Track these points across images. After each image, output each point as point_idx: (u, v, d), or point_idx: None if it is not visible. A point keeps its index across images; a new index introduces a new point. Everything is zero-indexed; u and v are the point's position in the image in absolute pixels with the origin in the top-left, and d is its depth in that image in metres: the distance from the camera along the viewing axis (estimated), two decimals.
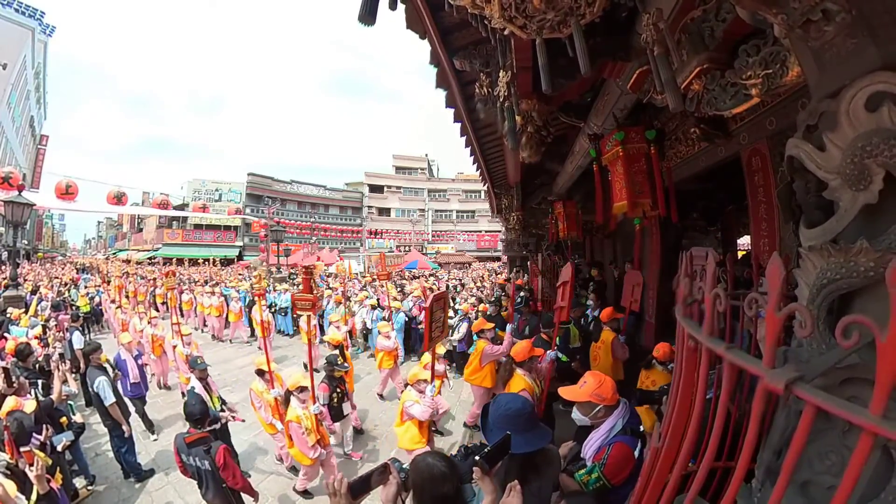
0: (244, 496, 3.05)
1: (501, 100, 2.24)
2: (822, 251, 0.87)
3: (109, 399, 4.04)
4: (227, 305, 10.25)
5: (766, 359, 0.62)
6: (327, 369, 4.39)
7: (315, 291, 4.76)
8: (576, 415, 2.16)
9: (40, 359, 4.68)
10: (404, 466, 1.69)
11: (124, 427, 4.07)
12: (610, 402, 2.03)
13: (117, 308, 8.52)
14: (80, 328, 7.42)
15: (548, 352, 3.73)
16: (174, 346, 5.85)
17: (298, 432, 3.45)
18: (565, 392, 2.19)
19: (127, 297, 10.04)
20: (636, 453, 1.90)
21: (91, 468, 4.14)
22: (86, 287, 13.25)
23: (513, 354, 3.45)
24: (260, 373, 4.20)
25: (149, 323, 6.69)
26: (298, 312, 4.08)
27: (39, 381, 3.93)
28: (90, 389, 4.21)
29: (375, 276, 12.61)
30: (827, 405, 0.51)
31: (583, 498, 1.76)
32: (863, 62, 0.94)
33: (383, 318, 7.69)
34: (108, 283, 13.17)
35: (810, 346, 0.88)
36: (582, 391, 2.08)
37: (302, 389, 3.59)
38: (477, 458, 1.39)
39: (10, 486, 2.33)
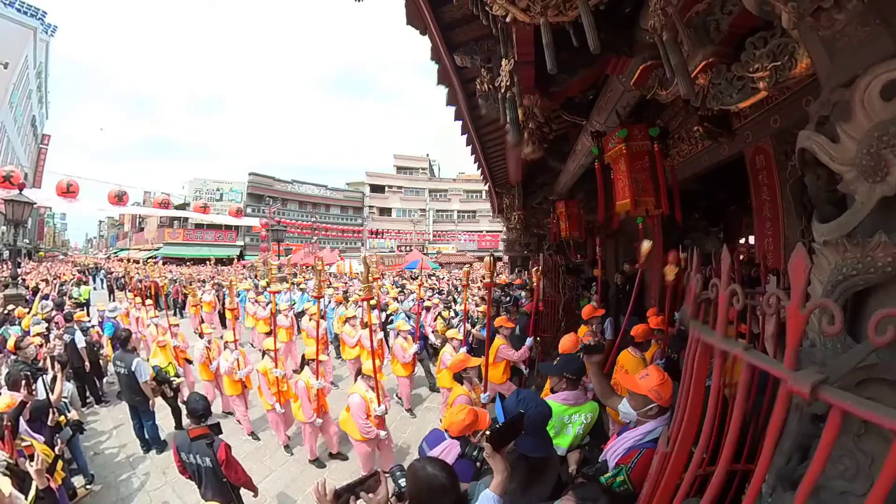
0: (243, 494, 3.03)
1: (503, 90, 2.20)
2: (837, 246, 0.84)
3: (146, 376, 4.51)
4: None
5: (787, 360, 0.58)
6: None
7: None
8: (624, 407, 2.00)
9: (40, 358, 4.65)
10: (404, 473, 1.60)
11: (152, 402, 4.59)
12: (665, 404, 1.88)
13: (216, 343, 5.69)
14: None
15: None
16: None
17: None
18: (625, 379, 2.06)
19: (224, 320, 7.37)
20: None
21: (90, 467, 4.12)
22: (113, 318, 7.40)
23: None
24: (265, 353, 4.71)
25: (170, 331, 5.77)
26: None
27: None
28: (121, 371, 4.52)
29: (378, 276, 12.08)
30: (856, 409, 0.48)
31: (590, 486, 1.69)
32: (876, 50, 0.90)
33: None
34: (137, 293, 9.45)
35: (825, 347, 0.84)
36: (642, 383, 1.90)
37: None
38: (488, 433, 1.34)
39: (6, 484, 2.31)
